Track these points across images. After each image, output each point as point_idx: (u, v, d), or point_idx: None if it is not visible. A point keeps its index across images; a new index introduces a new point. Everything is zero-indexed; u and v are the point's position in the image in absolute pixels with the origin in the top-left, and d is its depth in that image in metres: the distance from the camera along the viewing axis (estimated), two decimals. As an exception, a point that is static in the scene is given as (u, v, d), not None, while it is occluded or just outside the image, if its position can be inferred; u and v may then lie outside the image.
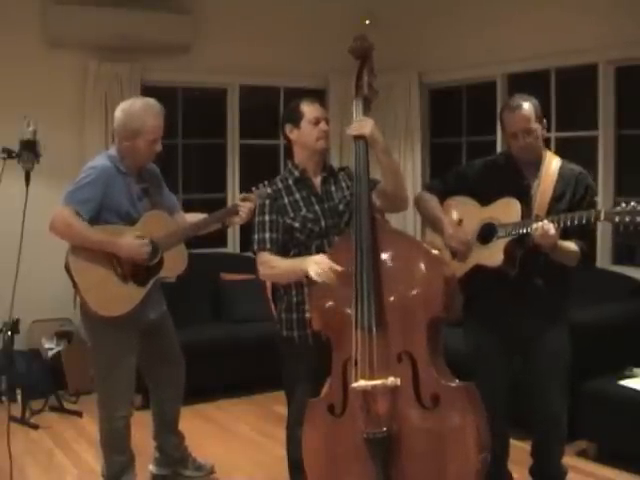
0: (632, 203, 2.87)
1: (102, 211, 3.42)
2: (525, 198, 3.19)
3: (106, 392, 3.61)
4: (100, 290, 3.42)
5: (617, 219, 2.89)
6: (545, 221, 2.95)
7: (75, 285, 3.45)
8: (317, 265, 2.85)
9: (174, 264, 3.60)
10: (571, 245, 3.10)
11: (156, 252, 3.52)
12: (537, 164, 3.25)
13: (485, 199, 3.26)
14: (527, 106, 3.17)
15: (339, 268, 2.82)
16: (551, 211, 3.16)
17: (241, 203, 3.59)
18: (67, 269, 3.46)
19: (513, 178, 3.26)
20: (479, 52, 5.82)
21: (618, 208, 2.91)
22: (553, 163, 3.26)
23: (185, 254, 3.66)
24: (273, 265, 3.06)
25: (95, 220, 3.40)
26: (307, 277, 2.92)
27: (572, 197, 3.20)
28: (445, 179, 3.51)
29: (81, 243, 3.40)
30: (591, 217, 2.94)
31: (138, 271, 3.50)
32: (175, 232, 3.60)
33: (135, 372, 3.64)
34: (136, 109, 3.47)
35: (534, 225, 2.98)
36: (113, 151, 3.57)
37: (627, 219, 2.85)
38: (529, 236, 3.08)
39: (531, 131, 3.16)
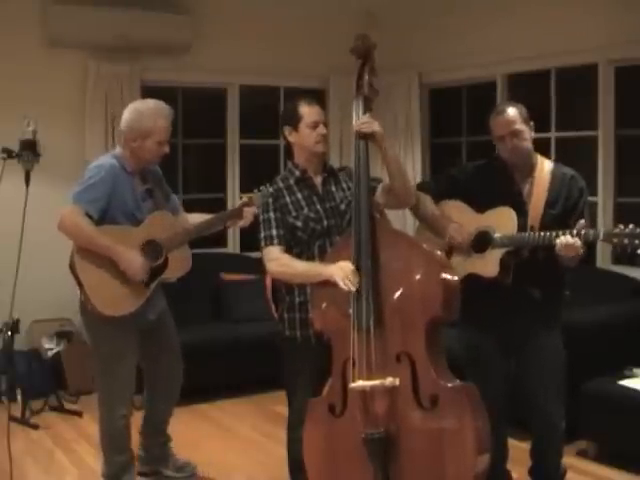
0: (630, 226, 2.88)
1: (109, 209, 3.44)
2: (517, 204, 3.19)
3: (106, 391, 3.63)
4: (104, 290, 3.44)
5: (615, 240, 2.90)
6: (567, 237, 2.94)
7: (80, 284, 3.46)
8: (343, 271, 2.83)
9: (178, 265, 3.62)
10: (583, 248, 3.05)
11: (160, 253, 3.55)
12: (529, 168, 3.25)
13: (478, 205, 3.27)
14: (512, 109, 3.21)
15: (356, 274, 2.81)
16: (545, 217, 3.17)
17: (245, 207, 3.61)
18: (72, 268, 3.47)
19: (504, 184, 3.26)
20: (479, 52, 5.82)
21: (617, 230, 2.92)
22: (545, 167, 3.26)
23: (189, 255, 3.68)
24: (284, 263, 3.05)
25: (102, 218, 3.42)
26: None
27: (566, 201, 3.21)
28: (438, 182, 3.52)
29: (87, 245, 3.41)
30: (589, 237, 2.96)
31: None
32: (179, 233, 3.62)
33: (135, 372, 3.65)
34: (148, 109, 3.50)
35: (562, 238, 2.95)
36: (119, 151, 3.59)
37: (625, 241, 2.87)
38: (526, 247, 3.11)
39: (518, 132, 3.17)
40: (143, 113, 3.49)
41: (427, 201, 3.36)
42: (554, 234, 3.00)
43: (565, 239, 2.94)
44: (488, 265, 3.17)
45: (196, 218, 3.79)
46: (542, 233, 3.07)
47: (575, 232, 2.96)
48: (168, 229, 3.60)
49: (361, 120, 2.97)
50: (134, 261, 3.45)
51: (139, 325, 3.58)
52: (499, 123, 3.21)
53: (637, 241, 2.86)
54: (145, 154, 3.52)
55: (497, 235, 3.17)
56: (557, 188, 3.22)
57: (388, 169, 3.07)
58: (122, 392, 3.61)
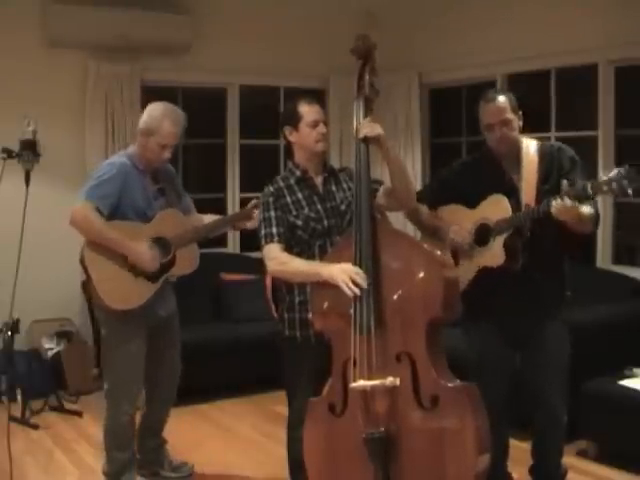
0: (614, 169, 2.84)
1: (120, 206, 3.51)
2: (511, 192, 3.19)
3: (113, 385, 3.66)
4: (112, 284, 3.52)
5: (605, 188, 2.85)
6: (557, 200, 2.91)
7: (88, 278, 3.54)
8: (345, 274, 2.80)
9: (186, 263, 3.70)
10: (586, 209, 3.00)
11: (168, 250, 3.61)
12: (516, 155, 3.23)
13: (472, 201, 3.26)
14: (502, 98, 3.19)
15: (364, 277, 2.80)
16: (540, 195, 3.14)
17: (255, 208, 3.67)
18: (82, 262, 3.55)
19: (494, 175, 3.26)
20: (479, 52, 5.82)
21: (604, 178, 2.87)
22: (531, 148, 3.24)
23: (197, 253, 3.76)
24: (284, 262, 3.04)
25: (113, 215, 3.50)
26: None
27: (558, 173, 3.18)
28: (432, 188, 3.54)
29: (97, 239, 3.49)
30: (579, 192, 2.90)
31: None
32: (188, 231, 3.70)
33: (143, 369, 3.68)
34: (158, 110, 3.58)
35: (553, 202, 2.92)
36: (132, 150, 3.66)
37: (614, 186, 2.83)
38: (525, 226, 3.11)
39: (507, 121, 3.16)
40: (152, 113, 3.58)
41: (425, 210, 3.37)
42: (546, 202, 2.98)
43: (556, 203, 2.91)
44: (494, 254, 3.17)
45: (209, 219, 3.87)
46: (535, 206, 3.07)
47: (563, 193, 2.91)
48: (177, 227, 3.67)
49: (363, 124, 2.95)
50: (145, 254, 3.53)
51: (149, 321, 3.63)
52: (489, 111, 3.18)
53: (626, 181, 2.80)
54: (148, 153, 3.58)
55: (494, 222, 3.17)
56: (547, 164, 3.21)
57: (390, 171, 3.06)
58: (129, 387, 3.65)
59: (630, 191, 2.84)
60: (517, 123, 3.20)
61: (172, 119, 3.56)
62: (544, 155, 3.23)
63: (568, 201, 2.90)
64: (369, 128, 2.93)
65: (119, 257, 3.51)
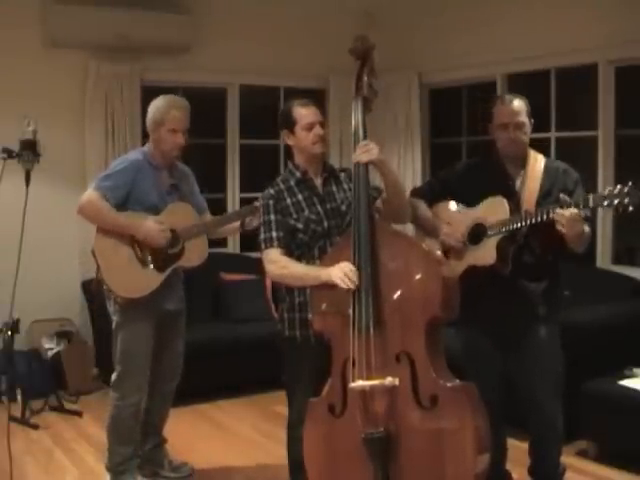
0: (618, 186, 2.84)
1: (129, 200, 3.60)
2: (511, 196, 3.19)
3: (123, 373, 3.70)
4: (120, 272, 3.61)
5: (606, 203, 2.85)
6: (572, 209, 2.90)
7: (98, 267, 3.64)
8: (341, 270, 2.82)
9: (194, 254, 3.76)
10: (586, 227, 3.03)
11: (177, 241, 3.68)
12: (522, 161, 3.25)
13: (471, 202, 3.26)
14: (518, 101, 3.22)
15: (355, 272, 2.80)
16: (540, 206, 3.14)
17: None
18: (93, 253, 3.66)
19: (497, 178, 3.26)
20: (479, 52, 5.82)
21: (606, 192, 2.87)
22: (538, 160, 3.26)
23: (206, 246, 3.82)
24: (283, 266, 3.04)
25: (121, 207, 3.59)
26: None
27: (561, 191, 3.17)
28: (431, 185, 3.54)
29: (105, 225, 3.60)
30: (579, 204, 2.91)
31: (158, 257, 3.65)
32: (197, 224, 3.77)
33: (149, 363, 3.72)
34: (162, 101, 3.69)
35: (559, 211, 2.91)
36: (147, 147, 3.76)
37: (616, 201, 2.83)
38: (520, 231, 3.10)
39: (522, 124, 3.18)
40: (157, 105, 3.68)
41: (421, 206, 3.37)
42: (545, 210, 2.99)
43: (561, 212, 2.90)
44: (485, 254, 3.16)
45: None
46: (536, 210, 3.06)
47: (566, 205, 2.92)
48: (187, 220, 3.74)
49: (360, 148, 2.93)
50: (152, 228, 3.59)
51: (156, 312, 3.68)
52: (505, 111, 3.20)
53: (627, 199, 2.80)
54: (162, 144, 3.66)
55: (490, 223, 3.17)
56: (550, 181, 3.22)
57: (386, 190, 3.07)
58: (137, 376, 3.69)
59: (631, 208, 2.84)
60: (529, 129, 3.22)
61: (176, 106, 3.66)
62: (549, 173, 3.23)
63: (575, 210, 2.90)
64: (364, 155, 2.92)
65: (128, 246, 3.59)
